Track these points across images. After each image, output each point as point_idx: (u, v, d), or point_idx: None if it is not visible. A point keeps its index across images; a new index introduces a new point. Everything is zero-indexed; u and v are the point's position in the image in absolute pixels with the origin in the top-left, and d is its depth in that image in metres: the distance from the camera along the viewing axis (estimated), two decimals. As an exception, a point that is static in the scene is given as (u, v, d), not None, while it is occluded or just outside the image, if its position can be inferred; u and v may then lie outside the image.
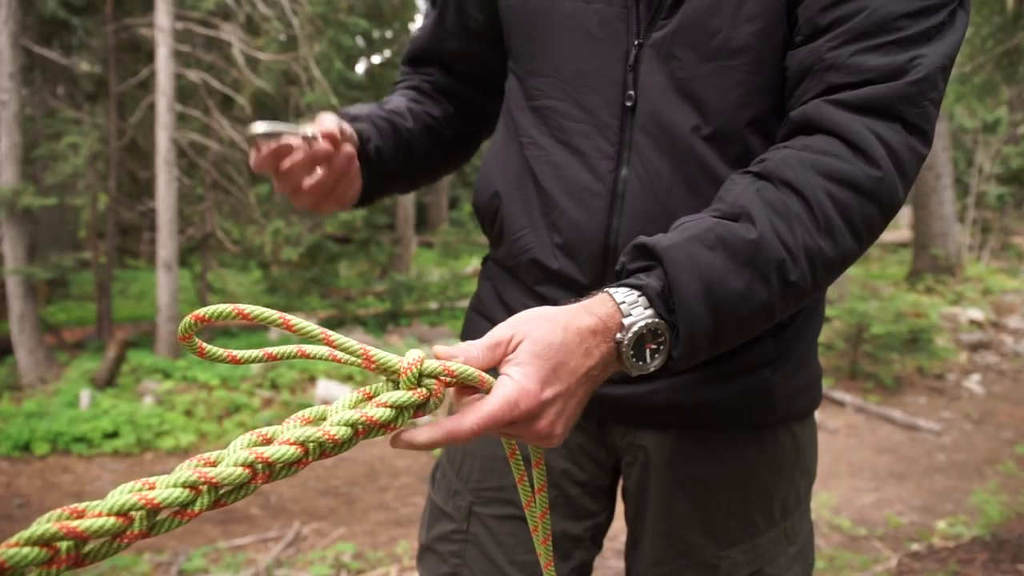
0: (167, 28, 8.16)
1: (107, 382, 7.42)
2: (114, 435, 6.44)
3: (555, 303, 1.13)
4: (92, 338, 9.63)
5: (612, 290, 0.83)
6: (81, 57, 11.00)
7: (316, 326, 0.71)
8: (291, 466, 0.64)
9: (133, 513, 0.57)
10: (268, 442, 0.65)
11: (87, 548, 0.55)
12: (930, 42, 0.91)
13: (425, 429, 0.73)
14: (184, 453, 6.39)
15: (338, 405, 0.70)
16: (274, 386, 7.53)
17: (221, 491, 0.61)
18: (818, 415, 6.57)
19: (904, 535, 4.27)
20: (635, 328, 0.81)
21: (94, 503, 0.56)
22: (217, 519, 4.97)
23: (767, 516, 1.17)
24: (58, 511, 0.54)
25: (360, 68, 13.54)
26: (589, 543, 1.28)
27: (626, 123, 1.06)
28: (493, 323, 1.23)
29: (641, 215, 1.05)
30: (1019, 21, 7.01)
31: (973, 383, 7.83)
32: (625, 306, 0.81)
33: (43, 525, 0.52)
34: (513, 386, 0.74)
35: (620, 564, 2.68)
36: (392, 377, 0.72)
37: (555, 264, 1.12)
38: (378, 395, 0.72)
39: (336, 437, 0.66)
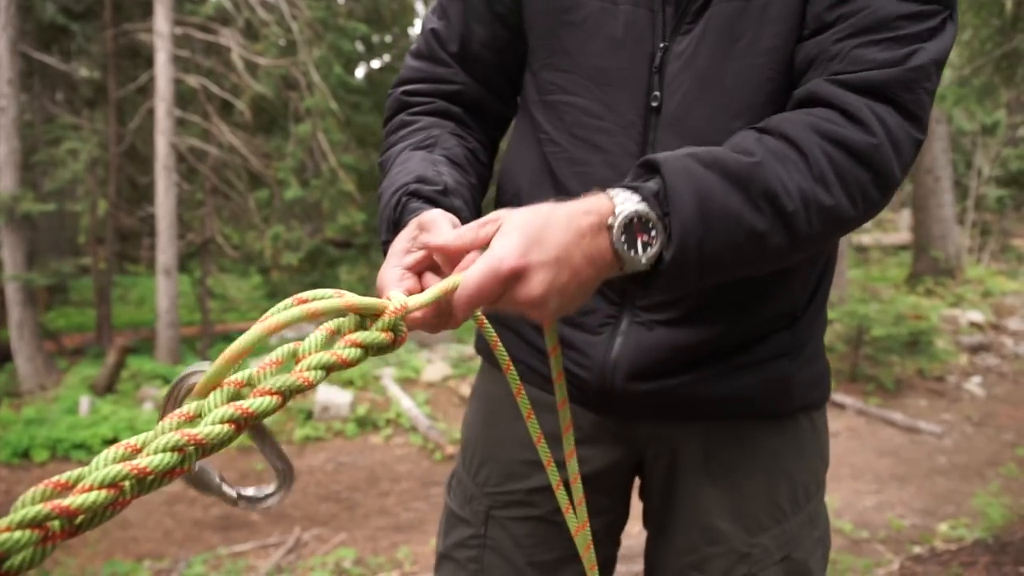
0: (166, 33, 8.17)
1: (107, 388, 7.42)
2: (114, 441, 6.41)
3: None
4: (92, 344, 9.63)
5: (611, 191, 0.87)
6: (80, 63, 11.01)
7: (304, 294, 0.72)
8: (271, 414, 0.64)
9: (123, 482, 0.56)
10: (242, 388, 0.64)
11: (79, 520, 0.54)
12: (925, 41, 0.97)
13: (421, 312, 0.78)
14: (184, 459, 6.37)
15: (309, 345, 0.69)
16: (274, 391, 7.52)
17: (207, 449, 0.60)
18: (819, 418, 6.46)
19: (906, 538, 4.26)
20: (625, 211, 0.83)
21: (77, 473, 0.55)
22: (218, 525, 4.96)
23: (793, 501, 1.20)
24: (41, 487, 0.52)
25: (360, 72, 13.56)
26: (607, 541, 1.29)
27: (651, 122, 1.07)
28: (504, 325, 1.23)
29: None
30: (1018, 24, 7.02)
31: (974, 385, 7.82)
32: (618, 199, 0.85)
33: (33, 506, 0.51)
34: (493, 253, 0.78)
35: (623, 567, 2.68)
36: (371, 316, 0.73)
37: None
38: (343, 332, 0.72)
39: (312, 380, 0.66)
